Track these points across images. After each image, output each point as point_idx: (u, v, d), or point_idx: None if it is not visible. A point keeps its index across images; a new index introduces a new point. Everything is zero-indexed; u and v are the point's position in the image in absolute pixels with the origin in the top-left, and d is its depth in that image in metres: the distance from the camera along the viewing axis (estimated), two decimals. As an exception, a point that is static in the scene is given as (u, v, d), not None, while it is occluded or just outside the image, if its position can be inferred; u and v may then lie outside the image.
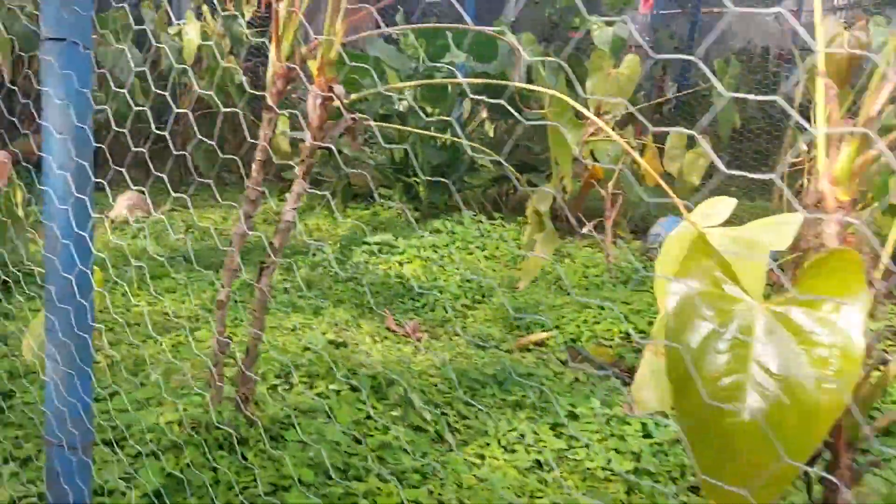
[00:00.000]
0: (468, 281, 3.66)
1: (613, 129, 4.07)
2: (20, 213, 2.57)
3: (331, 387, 2.33)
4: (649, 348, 1.46)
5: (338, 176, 5.31)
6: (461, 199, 5.29)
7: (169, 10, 7.65)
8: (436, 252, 4.11)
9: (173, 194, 4.88)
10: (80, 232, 1.28)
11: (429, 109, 5.05)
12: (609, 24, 5.20)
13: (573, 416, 2.32)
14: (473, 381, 2.58)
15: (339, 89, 1.77)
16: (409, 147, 5.12)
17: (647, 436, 2.17)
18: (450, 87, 4.77)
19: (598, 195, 4.33)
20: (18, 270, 2.48)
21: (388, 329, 3.14)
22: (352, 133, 1.86)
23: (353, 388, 2.32)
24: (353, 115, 1.81)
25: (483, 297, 3.56)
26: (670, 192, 1.12)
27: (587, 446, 2.14)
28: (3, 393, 2.24)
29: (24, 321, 2.71)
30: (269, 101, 1.82)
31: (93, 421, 1.44)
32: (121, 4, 5.74)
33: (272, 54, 1.83)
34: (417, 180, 5.03)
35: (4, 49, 2.06)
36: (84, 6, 1.28)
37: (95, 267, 1.42)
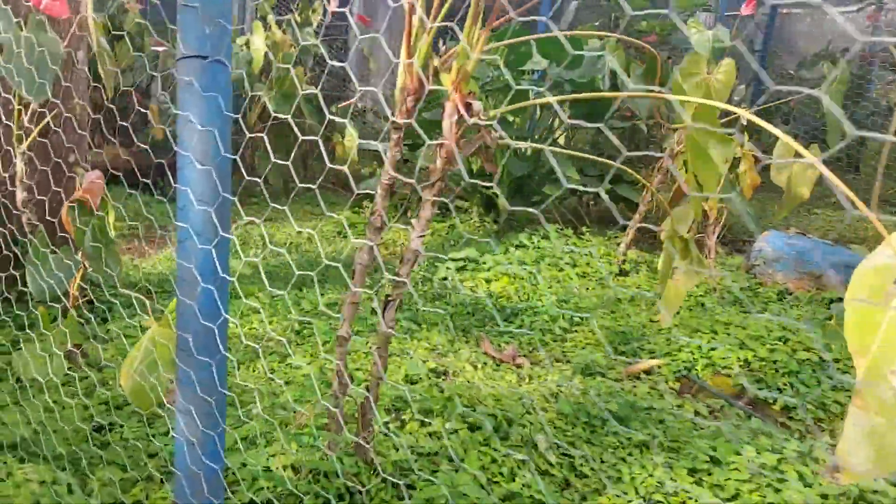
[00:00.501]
0: (564, 301, 3.45)
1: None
2: (112, 233, 2.46)
3: (447, 425, 2.15)
4: (858, 403, 1.25)
5: (413, 187, 5.17)
6: (540, 211, 5.09)
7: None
8: (523, 269, 3.91)
9: (241, 208, 4.78)
10: (224, 276, 1.12)
11: (509, 118, 4.86)
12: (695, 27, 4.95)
13: (714, 461, 2.10)
14: (592, 417, 2.38)
15: (477, 106, 1.59)
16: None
17: (808, 485, 1.93)
18: (531, 95, 4.58)
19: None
20: (113, 295, 2.36)
21: (486, 354, 2.96)
22: (487, 153, 1.68)
23: (472, 427, 2.14)
24: (496, 135, 1.63)
25: (582, 318, 3.35)
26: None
27: (736, 497, 1.92)
28: (101, 426, 2.13)
29: (119, 349, 2.60)
30: (398, 120, 1.65)
31: (224, 481, 1.29)
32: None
33: (402, 68, 1.66)
34: (496, 192, 4.84)
35: (108, 70, 1.96)
36: (227, 18, 1.13)
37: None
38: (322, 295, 3.52)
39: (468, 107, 1.57)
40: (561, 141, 6.21)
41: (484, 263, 3.97)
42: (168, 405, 2.25)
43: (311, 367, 2.61)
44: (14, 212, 2.72)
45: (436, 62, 1.63)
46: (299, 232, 5.05)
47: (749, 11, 3.89)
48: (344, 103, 6.61)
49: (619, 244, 4.18)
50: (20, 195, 2.16)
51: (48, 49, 1.95)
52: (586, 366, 2.89)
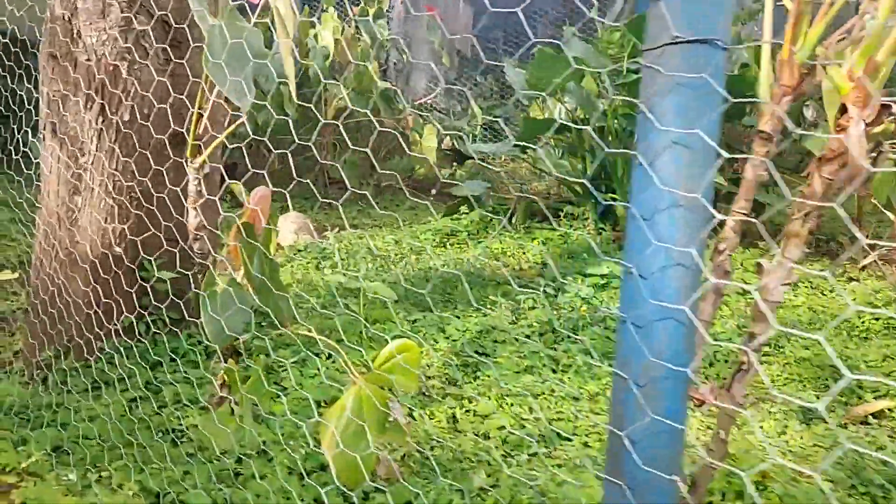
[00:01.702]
0: (745, 327, 3.02)
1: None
2: (276, 257, 2.06)
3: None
4: None
5: (519, 191, 4.74)
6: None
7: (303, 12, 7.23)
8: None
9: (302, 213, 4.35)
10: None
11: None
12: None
13: None
14: (868, 483, 1.95)
15: None
16: (606, 157, 4.51)
17: None
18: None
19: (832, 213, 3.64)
20: (279, 334, 1.96)
21: (682, 393, 2.54)
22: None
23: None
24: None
25: (771, 345, 2.92)
26: None
27: None
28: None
29: (300, 403, 2.20)
30: (766, 128, 1.23)
31: None
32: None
33: (765, 60, 1.24)
34: (616, 196, 4.42)
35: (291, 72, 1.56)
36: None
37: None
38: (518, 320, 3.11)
39: (886, 109, 1.14)
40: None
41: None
42: (382, 479, 1.85)
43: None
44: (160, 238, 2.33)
45: (823, 51, 1.21)
46: (396, 242, 4.64)
47: None
48: (422, 100, 6.13)
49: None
50: (192, 220, 1.76)
51: (248, 41, 1.55)
52: (800, 408, 2.47)
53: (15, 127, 2.64)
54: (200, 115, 1.69)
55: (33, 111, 2.47)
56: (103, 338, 2.45)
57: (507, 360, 2.68)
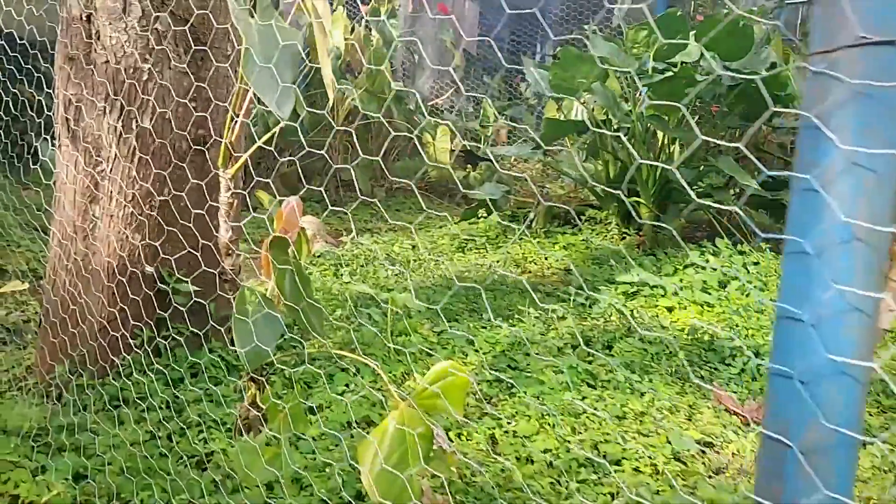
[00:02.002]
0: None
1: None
2: (310, 275, 1.94)
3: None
4: None
5: (540, 194, 4.62)
6: (689, 222, 4.54)
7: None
8: (707, 293, 3.37)
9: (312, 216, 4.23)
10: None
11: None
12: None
13: None
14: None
15: None
16: (630, 160, 4.39)
17: None
18: (682, 89, 4.02)
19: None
20: (313, 358, 1.84)
21: (727, 411, 2.42)
22: None
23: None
24: None
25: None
26: None
27: None
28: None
29: (332, 424, 2.08)
30: None
31: None
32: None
33: None
34: (640, 199, 4.30)
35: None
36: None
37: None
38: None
39: None
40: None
41: (659, 288, 3.42)
42: (429, 513, 1.73)
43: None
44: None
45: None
46: (413, 247, 4.52)
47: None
48: (436, 100, 6.00)
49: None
50: (224, 235, 1.63)
51: (284, 42, 1.43)
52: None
53: (17, 132, 2.51)
54: (234, 121, 1.57)
55: (41, 116, 2.35)
56: (122, 352, 2.34)
57: (543, 375, 2.56)
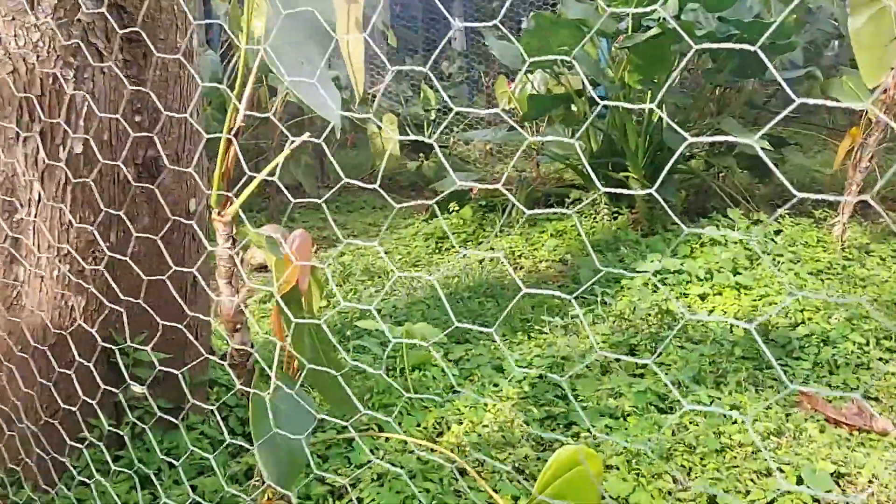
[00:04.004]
0: (857, 320, 2.55)
1: None
2: (329, 336, 1.43)
3: None
4: None
5: (518, 178, 4.17)
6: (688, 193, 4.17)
7: None
8: (738, 273, 2.99)
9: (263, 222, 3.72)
10: None
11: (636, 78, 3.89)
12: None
13: None
14: None
15: None
16: (614, 130, 3.99)
17: None
18: (669, 48, 3.63)
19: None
20: (345, 416, 1.33)
21: (827, 421, 2.05)
22: None
23: None
24: None
25: (890, 338, 2.46)
26: None
27: None
28: None
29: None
30: None
31: None
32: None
33: None
34: (629, 173, 3.90)
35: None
36: None
37: None
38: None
39: None
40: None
41: (683, 274, 3.03)
42: None
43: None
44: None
45: None
46: (387, 252, 4.02)
47: None
48: (376, 87, 5.50)
49: (832, 225, 3.30)
50: (227, 301, 1.12)
51: (314, 17, 0.92)
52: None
53: None
54: (230, 143, 1.05)
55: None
56: (70, 451, 1.78)
57: (601, 402, 2.13)
